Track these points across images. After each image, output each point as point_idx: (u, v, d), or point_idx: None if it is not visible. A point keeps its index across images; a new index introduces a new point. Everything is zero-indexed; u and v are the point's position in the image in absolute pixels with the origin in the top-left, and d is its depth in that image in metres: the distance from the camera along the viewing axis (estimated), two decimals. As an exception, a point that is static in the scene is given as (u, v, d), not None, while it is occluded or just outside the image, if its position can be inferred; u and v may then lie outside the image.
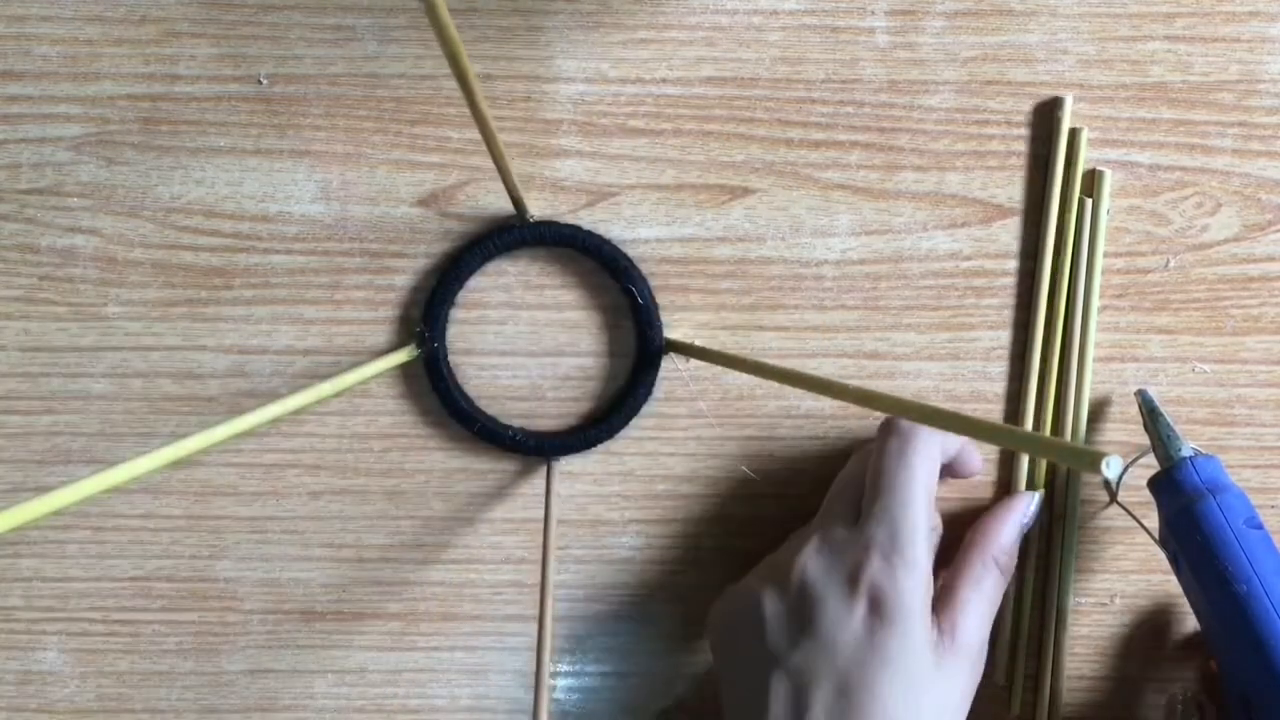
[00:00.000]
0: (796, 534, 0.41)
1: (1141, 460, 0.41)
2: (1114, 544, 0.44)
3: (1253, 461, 0.43)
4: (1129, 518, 0.43)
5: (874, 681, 0.35)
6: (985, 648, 0.38)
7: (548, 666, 0.36)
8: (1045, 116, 0.42)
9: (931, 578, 0.37)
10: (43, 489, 0.43)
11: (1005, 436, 0.28)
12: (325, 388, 0.37)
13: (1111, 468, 0.23)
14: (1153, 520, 0.41)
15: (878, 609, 0.35)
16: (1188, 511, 0.38)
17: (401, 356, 0.41)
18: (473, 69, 0.28)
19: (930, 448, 0.38)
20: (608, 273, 0.42)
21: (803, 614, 0.36)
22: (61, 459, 0.43)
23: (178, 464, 0.42)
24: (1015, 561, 0.40)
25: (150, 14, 0.41)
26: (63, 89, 0.41)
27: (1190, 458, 0.39)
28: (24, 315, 0.42)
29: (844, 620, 0.35)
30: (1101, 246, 0.42)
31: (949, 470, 0.40)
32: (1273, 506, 0.43)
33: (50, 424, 0.42)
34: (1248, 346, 0.43)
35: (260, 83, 0.41)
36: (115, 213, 0.42)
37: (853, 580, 0.36)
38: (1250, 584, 0.36)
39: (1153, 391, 0.41)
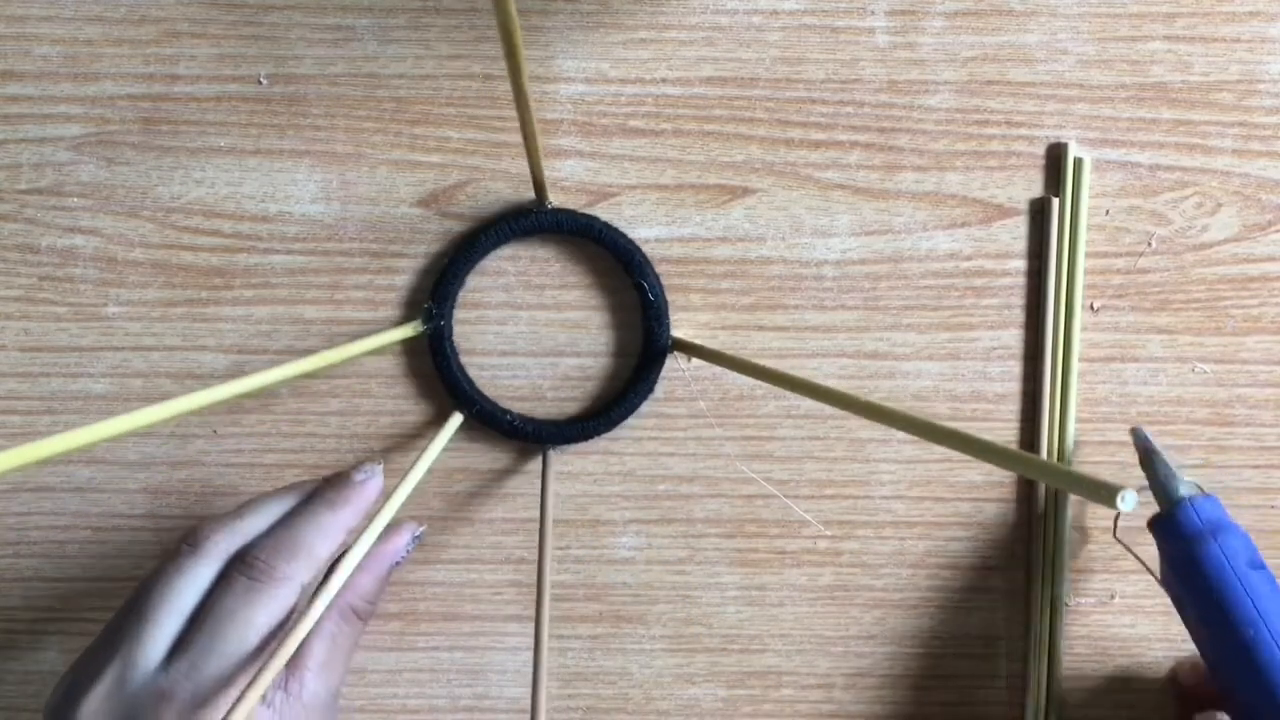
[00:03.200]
0: None
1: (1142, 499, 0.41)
2: (1114, 544, 0.44)
3: (1253, 461, 0.43)
4: (1129, 519, 0.43)
5: None
6: (337, 698, 0.37)
7: (545, 661, 0.36)
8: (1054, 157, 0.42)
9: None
10: (43, 489, 0.43)
11: (1018, 463, 0.28)
12: (331, 355, 0.36)
13: (1127, 502, 0.23)
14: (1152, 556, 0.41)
15: None
16: (1189, 555, 0.37)
17: (407, 331, 0.41)
18: (523, 49, 0.27)
19: None
20: (620, 266, 0.42)
21: None
22: (61, 459, 0.43)
23: (180, 419, 0.42)
24: (377, 605, 0.38)
25: (150, 14, 0.41)
26: (63, 89, 0.41)
27: (1189, 498, 0.38)
28: (24, 315, 0.42)
29: None
30: (1084, 246, 0.42)
31: None
32: (1272, 507, 0.43)
33: (50, 424, 0.42)
34: (1248, 346, 0.43)
35: (260, 83, 0.41)
36: (115, 213, 0.42)
37: None
38: (1256, 627, 0.36)
39: (1149, 430, 0.41)
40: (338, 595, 0.35)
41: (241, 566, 0.34)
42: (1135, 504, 0.24)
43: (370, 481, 0.37)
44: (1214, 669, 0.38)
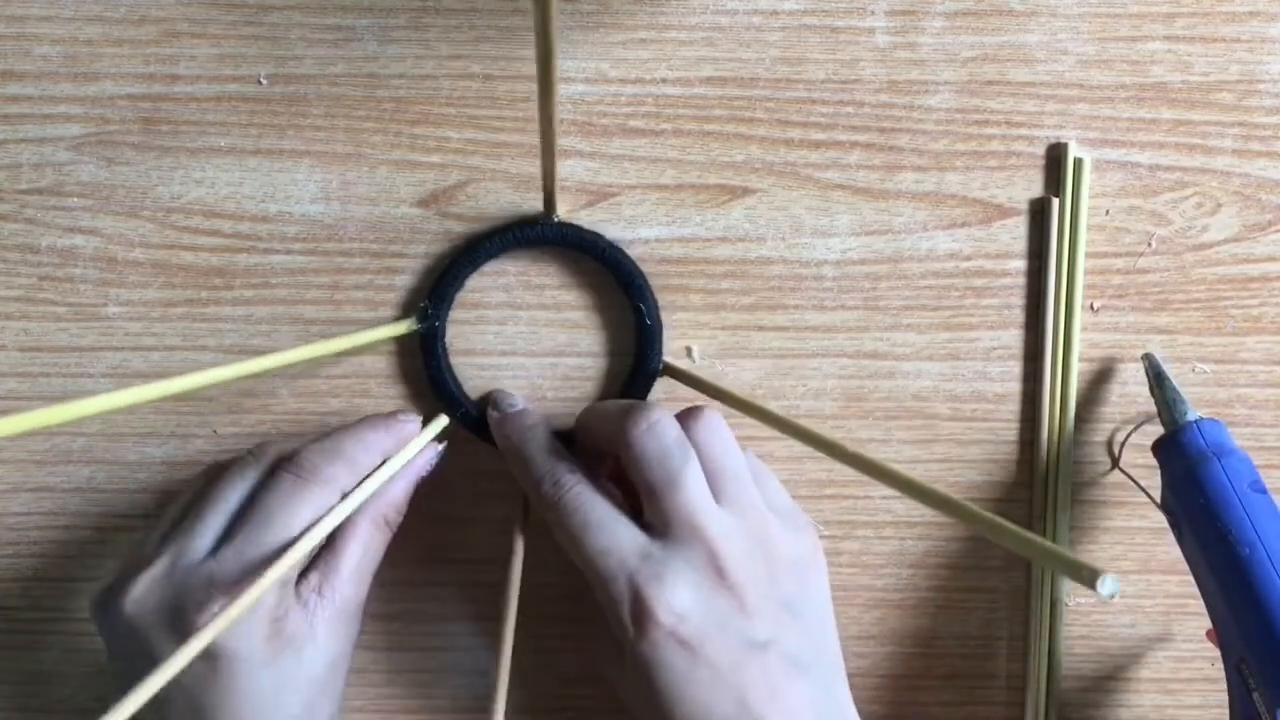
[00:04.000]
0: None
1: (1146, 426, 0.42)
2: (1114, 544, 0.44)
3: (1253, 461, 0.43)
4: (1130, 519, 0.43)
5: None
6: (363, 604, 0.39)
7: (506, 662, 0.36)
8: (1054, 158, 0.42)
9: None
10: (43, 489, 0.43)
11: (1003, 534, 0.27)
12: (323, 346, 0.38)
13: (1107, 586, 0.23)
14: (1155, 489, 0.41)
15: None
16: (1192, 474, 0.38)
17: (401, 328, 0.41)
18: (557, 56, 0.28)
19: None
20: (620, 287, 0.42)
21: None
22: (61, 459, 0.43)
23: (180, 397, 0.42)
24: (404, 514, 0.40)
25: (150, 14, 0.41)
26: (63, 89, 0.41)
27: (1195, 421, 0.39)
28: (24, 315, 0.42)
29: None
30: (1084, 246, 0.42)
31: None
32: (1273, 506, 0.43)
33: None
34: (1248, 346, 0.43)
35: (260, 83, 0.41)
36: (115, 213, 0.42)
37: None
38: (1253, 547, 0.37)
39: (1160, 356, 0.41)
40: (371, 504, 0.38)
41: (288, 465, 0.37)
42: (1115, 589, 0.24)
43: (410, 423, 0.40)
44: (1207, 594, 0.39)
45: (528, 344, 0.43)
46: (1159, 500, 0.40)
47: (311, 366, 0.42)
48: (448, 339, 0.42)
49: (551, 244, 0.42)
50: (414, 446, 0.39)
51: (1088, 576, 0.24)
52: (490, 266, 0.42)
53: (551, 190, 0.38)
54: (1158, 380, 0.41)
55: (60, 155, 0.41)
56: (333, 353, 0.40)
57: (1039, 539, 0.27)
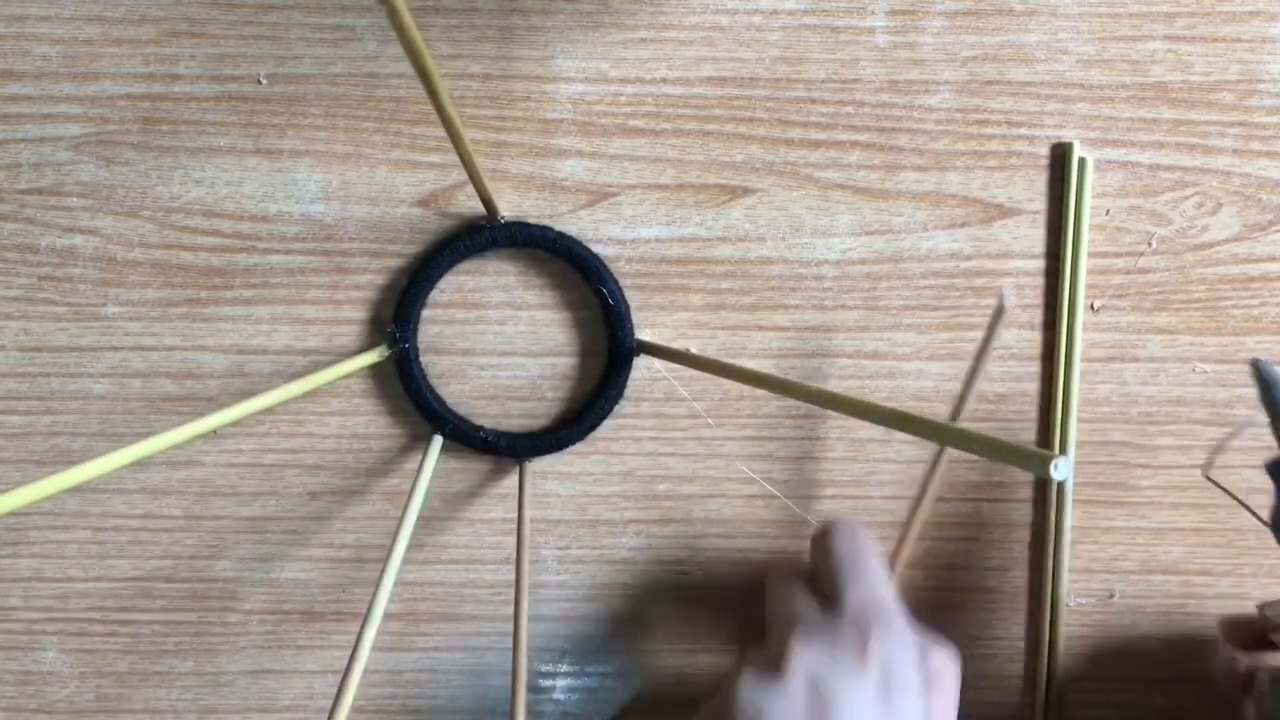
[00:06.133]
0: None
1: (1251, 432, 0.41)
2: (1114, 544, 0.44)
3: (1253, 461, 0.43)
4: (1130, 519, 0.43)
5: None
6: None
7: (524, 667, 0.36)
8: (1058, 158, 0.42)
9: None
10: (42, 489, 0.43)
11: (955, 437, 0.29)
12: (302, 384, 0.37)
13: (1059, 470, 0.24)
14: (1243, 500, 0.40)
15: (887, 681, 0.35)
16: None
17: (372, 357, 0.41)
18: (437, 68, 0.28)
19: (872, 541, 0.38)
20: (578, 274, 0.42)
21: (818, 706, 0.34)
22: (61, 459, 0.43)
23: (138, 465, 0.42)
24: None
25: (150, 14, 0.41)
26: (63, 89, 0.41)
27: None
28: (24, 315, 0.42)
29: (861, 698, 0.34)
30: (1086, 247, 0.42)
31: None
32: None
33: (50, 424, 0.42)
34: (1248, 346, 0.43)
35: (260, 83, 0.41)
36: (115, 213, 0.42)
37: (861, 660, 0.35)
38: None
39: (1271, 361, 0.38)
40: None
41: None
42: (1068, 473, 0.24)
43: None
44: None
45: (528, 344, 0.43)
46: (1269, 520, 0.38)
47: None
48: (448, 339, 0.42)
49: (502, 245, 0.41)
50: (399, 546, 0.37)
51: (1039, 464, 0.25)
52: (491, 266, 0.42)
53: (486, 193, 0.38)
54: (1269, 392, 0.37)
55: (60, 155, 0.41)
56: (305, 391, 0.38)
57: (987, 435, 0.28)
